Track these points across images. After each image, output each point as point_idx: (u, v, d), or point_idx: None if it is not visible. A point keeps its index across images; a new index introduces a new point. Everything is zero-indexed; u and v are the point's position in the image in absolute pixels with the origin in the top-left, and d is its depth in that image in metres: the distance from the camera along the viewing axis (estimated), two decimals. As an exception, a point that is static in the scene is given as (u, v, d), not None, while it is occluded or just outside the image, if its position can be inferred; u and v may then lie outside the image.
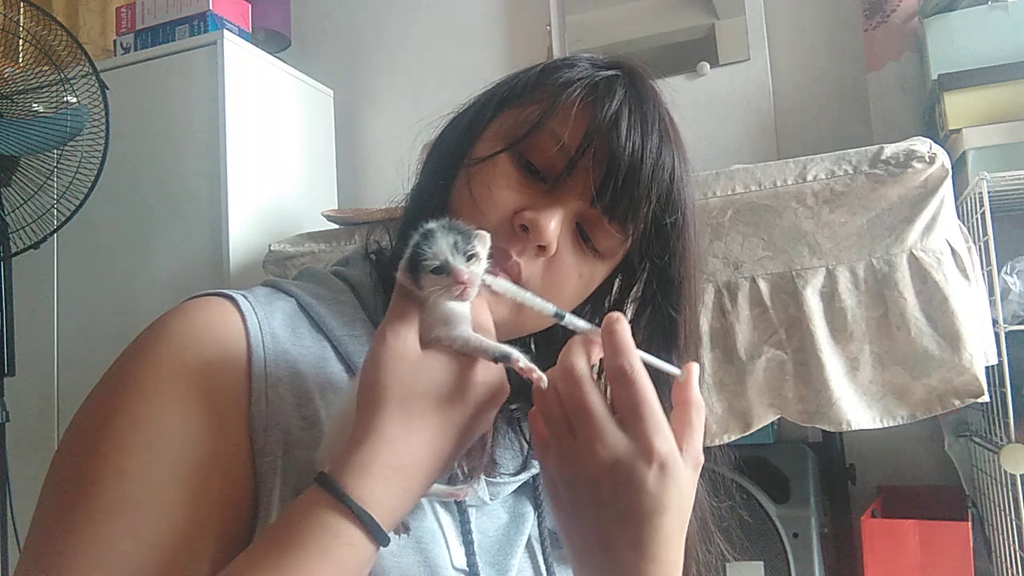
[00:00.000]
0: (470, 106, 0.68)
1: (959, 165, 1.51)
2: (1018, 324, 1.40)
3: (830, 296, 1.30)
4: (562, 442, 0.50)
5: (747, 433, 1.34)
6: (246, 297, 0.58)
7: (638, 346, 0.50)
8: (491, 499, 0.65)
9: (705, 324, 1.35)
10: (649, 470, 0.48)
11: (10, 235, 1.64)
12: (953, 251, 1.28)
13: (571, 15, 2.22)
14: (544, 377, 0.50)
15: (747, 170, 1.37)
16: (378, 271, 0.67)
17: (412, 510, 0.55)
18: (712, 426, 1.33)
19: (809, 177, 1.32)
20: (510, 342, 0.51)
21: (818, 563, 1.54)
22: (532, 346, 0.70)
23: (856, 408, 1.27)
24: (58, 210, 1.67)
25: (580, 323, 0.53)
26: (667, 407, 0.51)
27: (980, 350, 1.26)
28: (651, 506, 0.48)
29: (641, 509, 0.48)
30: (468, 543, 0.60)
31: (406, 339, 0.49)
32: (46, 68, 1.64)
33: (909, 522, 1.47)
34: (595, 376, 0.50)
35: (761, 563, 1.54)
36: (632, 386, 0.48)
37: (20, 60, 1.66)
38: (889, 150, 1.28)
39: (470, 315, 0.51)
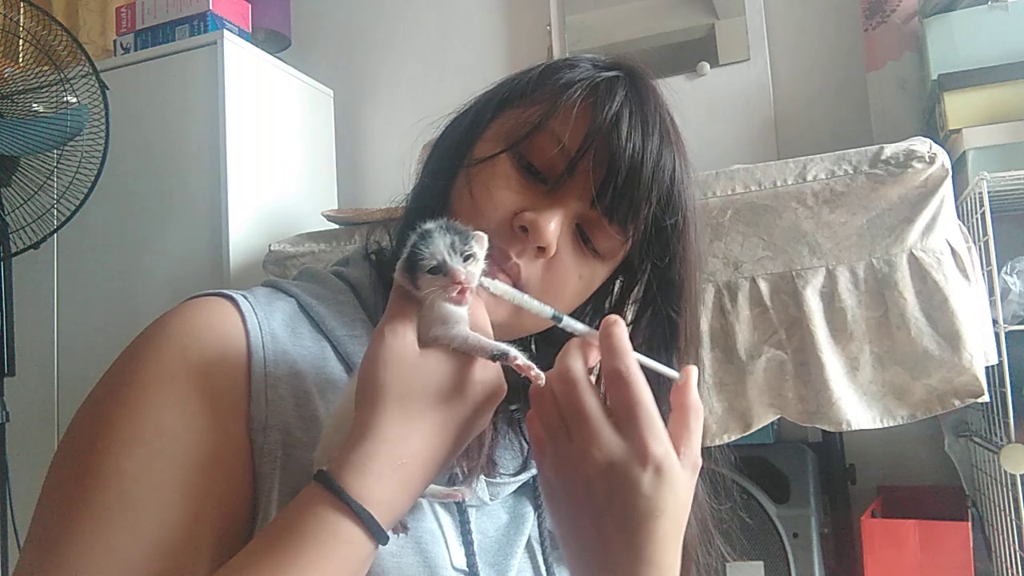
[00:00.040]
0: (471, 106, 0.68)
1: (959, 165, 1.50)
2: (1018, 324, 1.40)
3: (830, 296, 1.30)
4: (558, 444, 0.50)
5: (747, 433, 1.34)
6: (246, 297, 0.58)
7: (638, 348, 0.50)
8: (491, 499, 0.64)
9: (705, 324, 1.35)
10: (644, 473, 0.47)
11: (10, 235, 1.64)
12: (953, 251, 1.28)
13: (571, 15, 2.21)
14: (542, 374, 0.50)
15: (747, 170, 1.37)
16: (378, 271, 0.67)
17: (412, 510, 0.55)
18: (712, 426, 1.33)
19: (809, 177, 1.32)
20: (510, 342, 0.51)
21: (818, 563, 1.54)
22: (533, 347, 0.70)
23: (856, 408, 1.27)
24: (58, 210, 1.67)
25: (578, 326, 0.53)
26: (665, 410, 0.51)
27: (980, 350, 1.26)
28: (646, 509, 0.48)
29: (636, 512, 0.48)
30: (468, 543, 0.60)
31: (405, 337, 0.49)
32: (46, 68, 1.64)
33: (909, 522, 1.47)
34: (593, 379, 0.50)
35: (761, 563, 1.54)
36: (628, 389, 0.48)
37: (20, 60, 1.66)
38: (889, 150, 1.28)
39: (467, 315, 0.51)
